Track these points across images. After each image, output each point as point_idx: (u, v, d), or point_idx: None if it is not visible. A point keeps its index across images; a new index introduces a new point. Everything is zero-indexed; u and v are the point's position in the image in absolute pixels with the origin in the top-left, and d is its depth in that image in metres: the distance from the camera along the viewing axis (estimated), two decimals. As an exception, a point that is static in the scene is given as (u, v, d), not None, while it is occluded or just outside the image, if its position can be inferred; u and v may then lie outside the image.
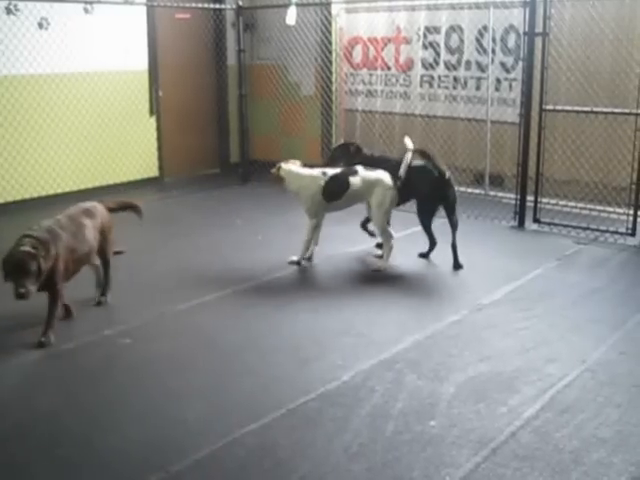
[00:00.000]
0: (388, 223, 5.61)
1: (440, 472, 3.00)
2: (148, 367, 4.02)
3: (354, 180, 5.46)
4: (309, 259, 5.66)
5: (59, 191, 7.77)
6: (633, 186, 6.15)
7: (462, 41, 7.90)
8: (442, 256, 5.85)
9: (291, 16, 8.44)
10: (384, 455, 3.13)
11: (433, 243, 5.80)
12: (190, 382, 3.83)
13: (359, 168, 5.54)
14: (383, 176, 5.46)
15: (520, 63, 6.95)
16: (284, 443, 3.23)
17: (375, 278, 5.45)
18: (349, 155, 5.96)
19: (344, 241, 6.14)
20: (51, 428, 3.39)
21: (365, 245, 6.14)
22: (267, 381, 3.83)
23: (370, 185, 5.46)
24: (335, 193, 5.49)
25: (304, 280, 5.45)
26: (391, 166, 5.57)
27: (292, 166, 5.60)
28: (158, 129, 8.74)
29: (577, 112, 6.69)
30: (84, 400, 3.66)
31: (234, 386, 3.78)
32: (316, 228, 5.65)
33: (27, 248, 4.00)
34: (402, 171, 5.44)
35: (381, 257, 5.64)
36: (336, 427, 3.35)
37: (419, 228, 5.80)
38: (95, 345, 4.28)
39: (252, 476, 3.00)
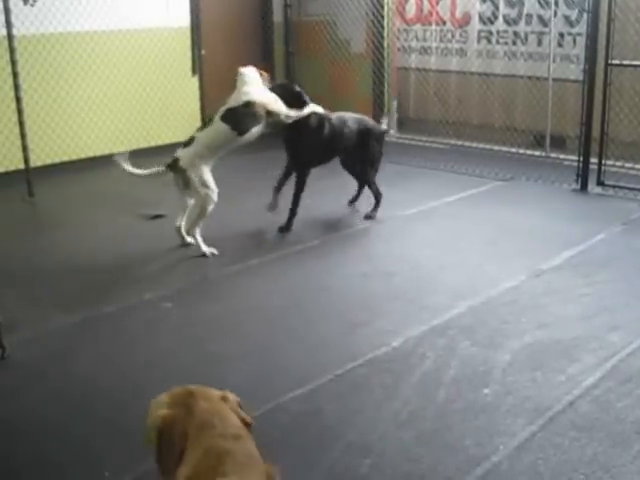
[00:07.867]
0: None
1: (494, 441, 2.88)
2: (189, 331, 3.95)
3: None
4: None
5: (98, 153, 7.62)
6: None
7: (523, -7, 7.55)
8: (497, 219, 5.63)
9: None
10: (435, 423, 3.02)
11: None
12: (233, 347, 3.74)
13: None
14: None
15: (585, 16, 6.55)
16: (330, 409, 3.14)
17: (426, 243, 5.26)
18: (289, 98, 5.44)
19: (393, 205, 5.94)
20: (88, 391, 3.35)
21: (411, 210, 5.94)
22: (313, 346, 3.72)
23: None
24: None
25: (353, 244, 5.30)
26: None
27: None
28: (201, 89, 8.54)
29: (646, 67, 6.34)
30: (122, 364, 3.61)
31: (279, 351, 3.69)
32: None
33: None
34: None
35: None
36: (385, 394, 3.24)
37: (454, 197, 5.51)
38: (135, 309, 4.22)
39: (296, 443, 2.91)
